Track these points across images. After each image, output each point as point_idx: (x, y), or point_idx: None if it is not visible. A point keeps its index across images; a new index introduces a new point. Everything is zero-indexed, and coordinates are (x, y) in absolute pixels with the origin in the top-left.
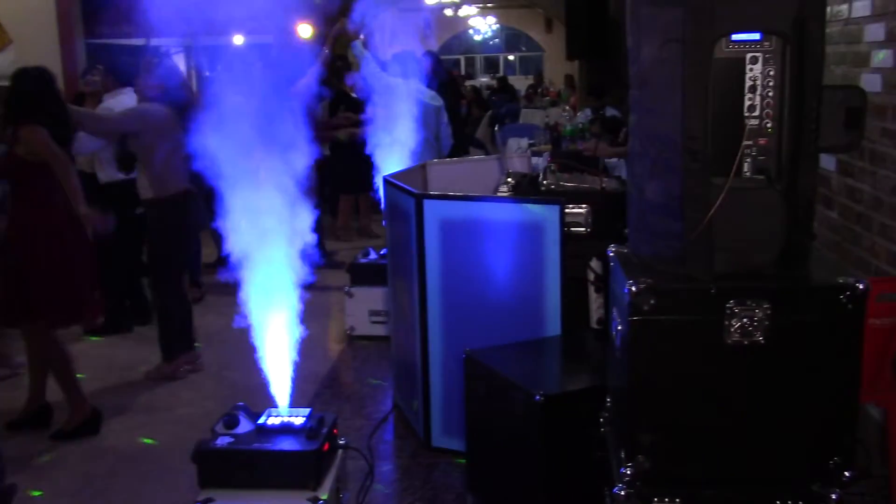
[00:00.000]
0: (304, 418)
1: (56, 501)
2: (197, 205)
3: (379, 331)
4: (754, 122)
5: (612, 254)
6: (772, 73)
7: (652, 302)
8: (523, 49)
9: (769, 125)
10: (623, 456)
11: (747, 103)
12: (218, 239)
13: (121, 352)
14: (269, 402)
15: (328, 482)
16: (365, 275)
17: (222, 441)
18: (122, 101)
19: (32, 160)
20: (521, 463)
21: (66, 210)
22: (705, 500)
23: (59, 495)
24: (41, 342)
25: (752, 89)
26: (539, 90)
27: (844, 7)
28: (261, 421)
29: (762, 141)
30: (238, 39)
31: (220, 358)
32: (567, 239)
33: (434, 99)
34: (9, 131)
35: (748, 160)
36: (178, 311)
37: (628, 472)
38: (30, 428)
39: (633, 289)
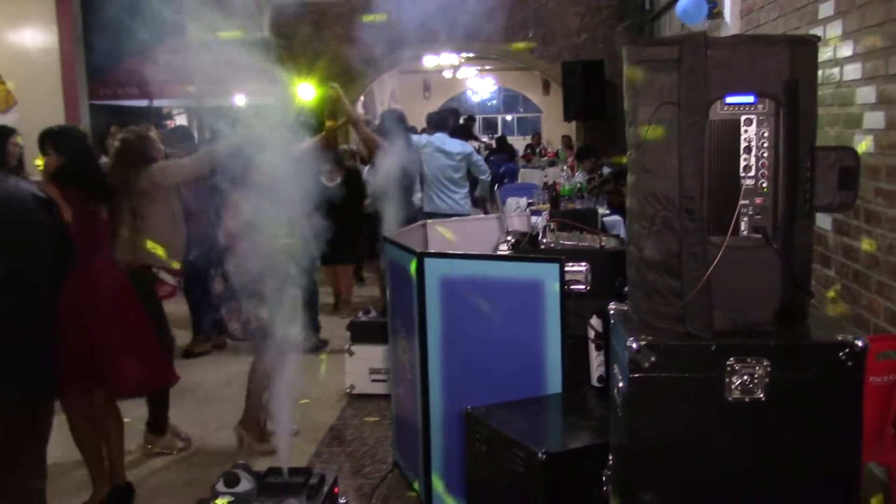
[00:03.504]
0: (305, 477)
1: None
2: None
3: (379, 389)
4: (750, 181)
5: (612, 311)
6: (766, 134)
7: (652, 359)
8: (521, 110)
9: (764, 185)
10: None
11: (743, 163)
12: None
13: None
14: (269, 461)
15: None
16: (365, 333)
17: (223, 500)
18: None
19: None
20: None
21: None
22: None
23: None
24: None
25: (748, 150)
26: (537, 150)
27: (836, 70)
28: (262, 479)
29: (758, 200)
30: (240, 100)
31: (220, 416)
32: (567, 297)
33: (462, 146)
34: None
35: (745, 219)
36: None
37: None
38: None
39: (634, 346)
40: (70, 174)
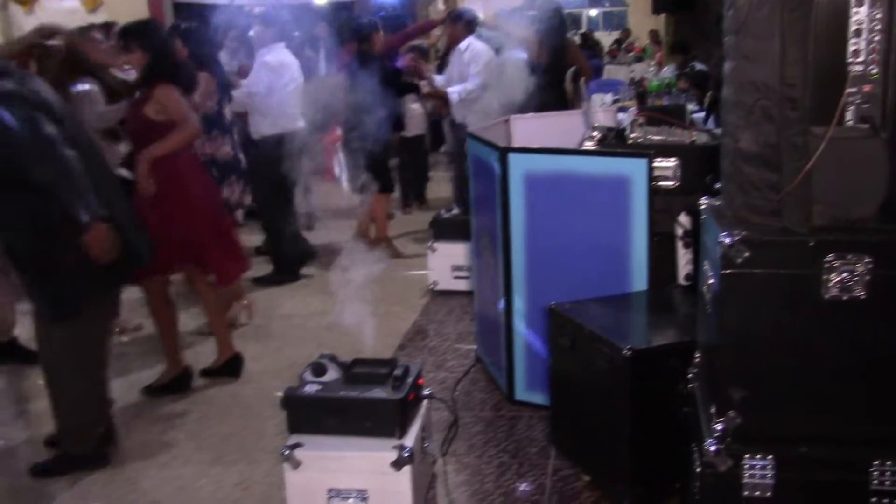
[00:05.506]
0: (390, 368)
1: (146, 448)
2: None
3: (461, 286)
4: (858, 68)
5: (703, 206)
6: (878, 16)
7: (746, 255)
8: (606, 4)
9: (874, 71)
10: (713, 411)
11: (851, 48)
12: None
13: None
14: (355, 353)
15: (413, 431)
16: (448, 230)
17: (310, 388)
18: (279, 55)
19: (161, 119)
20: (605, 417)
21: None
22: (798, 458)
23: (147, 444)
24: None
25: (857, 33)
26: (623, 46)
27: None
28: (347, 370)
29: (867, 88)
30: None
31: (307, 307)
32: (654, 193)
33: None
34: (140, 91)
35: (851, 108)
36: None
37: (719, 428)
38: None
39: (727, 241)
40: (160, 68)
